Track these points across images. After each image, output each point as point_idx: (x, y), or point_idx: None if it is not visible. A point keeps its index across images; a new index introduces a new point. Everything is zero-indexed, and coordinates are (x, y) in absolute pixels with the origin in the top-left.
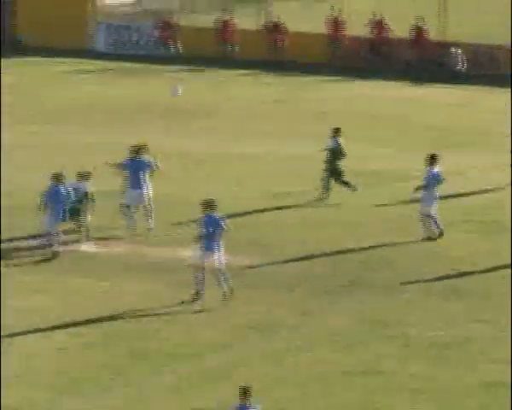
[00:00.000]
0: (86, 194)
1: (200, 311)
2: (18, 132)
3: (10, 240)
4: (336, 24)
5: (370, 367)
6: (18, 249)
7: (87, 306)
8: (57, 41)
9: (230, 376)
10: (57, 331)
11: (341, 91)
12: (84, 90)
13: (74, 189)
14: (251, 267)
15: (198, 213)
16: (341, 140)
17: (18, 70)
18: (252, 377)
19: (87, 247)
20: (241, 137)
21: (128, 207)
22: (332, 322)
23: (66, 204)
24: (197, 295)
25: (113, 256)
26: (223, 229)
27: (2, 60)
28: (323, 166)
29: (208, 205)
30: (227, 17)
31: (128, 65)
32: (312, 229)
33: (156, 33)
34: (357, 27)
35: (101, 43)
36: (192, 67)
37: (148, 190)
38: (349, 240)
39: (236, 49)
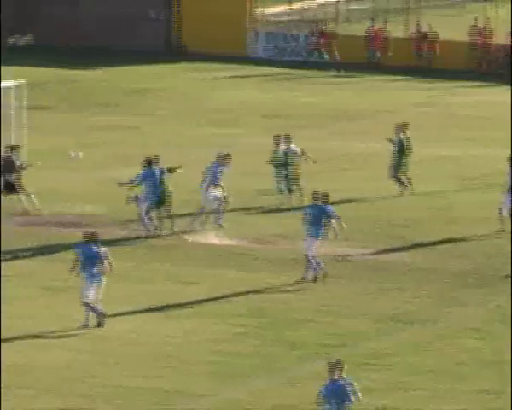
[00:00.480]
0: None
1: (347, 303)
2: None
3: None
4: (481, 32)
5: None
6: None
7: (239, 297)
8: (219, 48)
9: (377, 364)
10: (212, 321)
11: (489, 97)
12: (244, 94)
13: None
14: (388, 260)
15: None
16: (407, 136)
17: (182, 75)
18: (398, 366)
19: (207, 238)
20: None
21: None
22: (471, 312)
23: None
24: (314, 277)
25: (238, 248)
26: (332, 218)
27: (168, 65)
28: (391, 161)
29: (320, 197)
30: (379, 25)
31: (286, 71)
32: (446, 223)
33: (312, 41)
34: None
35: (260, 50)
36: (345, 74)
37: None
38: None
39: (389, 55)
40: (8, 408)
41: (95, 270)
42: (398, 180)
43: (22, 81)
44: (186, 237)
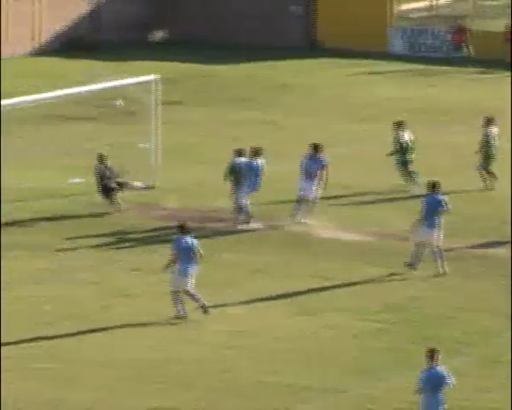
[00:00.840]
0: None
1: (482, 299)
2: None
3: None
4: None
5: None
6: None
7: (375, 293)
8: (356, 44)
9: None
10: (350, 317)
11: None
12: (384, 90)
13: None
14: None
15: None
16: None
17: (321, 70)
18: None
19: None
20: None
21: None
22: None
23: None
24: (410, 267)
25: (374, 244)
26: (444, 209)
27: (307, 60)
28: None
29: (433, 186)
30: None
31: (425, 67)
32: None
33: (450, 37)
34: None
35: (398, 46)
36: (482, 70)
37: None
38: None
39: None
40: (152, 403)
41: (192, 260)
42: (488, 173)
43: (157, 76)
44: (321, 232)
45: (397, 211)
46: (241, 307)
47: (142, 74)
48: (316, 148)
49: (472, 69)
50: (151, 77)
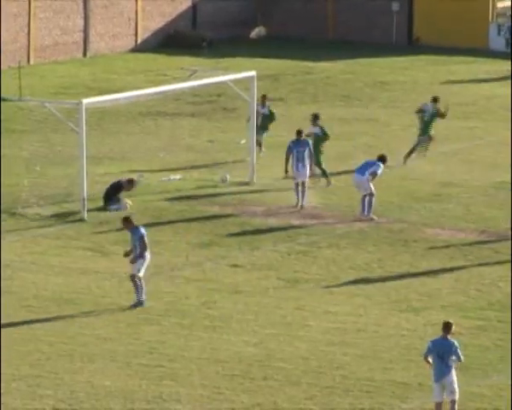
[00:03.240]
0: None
1: None
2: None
3: None
4: None
5: None
6: None
7: (479, 290)
8: (455, 40)
9: None
10: (454, 314)
11: None
12: (485, 88)
13: None
14: None
15: None
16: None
17: (421, 67)
18: None
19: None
20: None
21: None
22: None
23: None
24: None
25: (477, 242)
26: None
27: (407, 57)
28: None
29: None
30: None
31: None
32: None
33: None
34: None
35: (498, 43)
36: None
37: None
38: None
39: None
40: (256, 400)
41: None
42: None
43: (255, 72)
44: (425, 229)
45: (500, 208)
46: (343, 304)
47: (242, 71)
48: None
49: None
50: (250, 73)
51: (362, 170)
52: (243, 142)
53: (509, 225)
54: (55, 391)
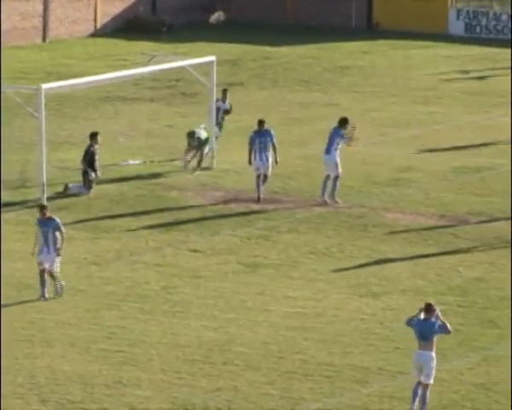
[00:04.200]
0: None
1: None
2: (385, 111)
3: None
4: None
5: None
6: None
7: (439, 275)
8: (413, 25)
9: None
10: (413, 299)
11: None
12: (443, 72)
13: None
14: None
15: None
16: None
17: (380, 52)
18: None
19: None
20: None
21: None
22: None
23: None
24: None
25: (437, 226)
26: None
27: (366, 42)
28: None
29: None
30: None
31: (485, 50)
32: None
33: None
34: None
35: (456, 27)
36: None
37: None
38: None
39: None
40: (217, 384)
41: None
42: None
43: (215, 57)
44: (384, 213)
45: (460, 193)
46: (303, 289)
47: (201, 56)
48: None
49: None
50: (210, 58)
51: (328, 148)
52: (203, 126)
53: (473, 209)
54: (15, 376)
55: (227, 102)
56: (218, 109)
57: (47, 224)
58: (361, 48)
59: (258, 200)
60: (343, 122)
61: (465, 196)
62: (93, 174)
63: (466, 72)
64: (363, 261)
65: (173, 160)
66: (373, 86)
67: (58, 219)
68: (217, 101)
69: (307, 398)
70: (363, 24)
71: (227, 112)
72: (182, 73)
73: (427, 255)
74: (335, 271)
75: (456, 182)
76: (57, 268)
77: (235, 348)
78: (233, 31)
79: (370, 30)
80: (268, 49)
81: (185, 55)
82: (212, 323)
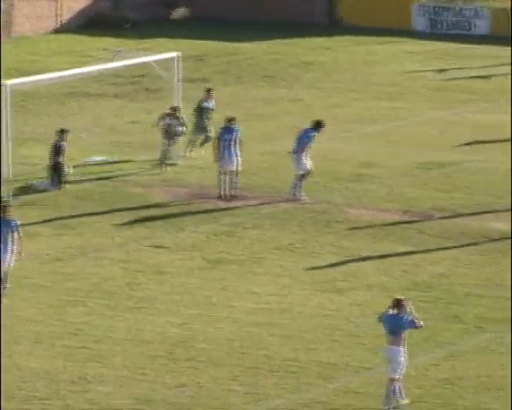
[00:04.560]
0: None
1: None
2: (348, 106)
3: None
4: None
5: None
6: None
7: (404, 271)
8: (378, 21)
9: None
10: (378, 295)
11: None
12: (407, 68)
13: None
14: None
15: None
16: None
17: (344, 48)
18: None
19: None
20: None
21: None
22: None
23: None
24: None
25: (401, 222)
26: None
27: (330, 38)
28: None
29: None
30: None
31: (448, 45)
32: None
33: (472, 14)
34: None
35: (420, 23)
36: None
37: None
38: None
39: None
40: (179, 381)
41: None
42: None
43: (179, 53)
44: (348, 209)
45: (423, 188)
46: (267, 285)
47: (165, 52)
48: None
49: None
50: (173, 54)
51: (295, 147)
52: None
53: (436, 205)
54: None
55: (211, 101)
56: (201, 109)
57: (7, 224)
58: (324, 43)
59: (221, 197)
60: (317, 125)
61: (429, 192)
62: (67, 169)
63: (430, 67)
64: (327, 257)
65: (138, 156)
66: (335, 82)
67: (17, 221)
68: (201, 101)
69: (272, 394)
70: (327, 19)
71: (208, 111)
72: (146, 68)
73: (390, 251)
74: (300, 266)
75: (420, 178)
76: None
77: (199, 345)
78: (197, 27)
79: (333, 25)
80: (232, 44)
81: (149, 51)
82: (177, 319)
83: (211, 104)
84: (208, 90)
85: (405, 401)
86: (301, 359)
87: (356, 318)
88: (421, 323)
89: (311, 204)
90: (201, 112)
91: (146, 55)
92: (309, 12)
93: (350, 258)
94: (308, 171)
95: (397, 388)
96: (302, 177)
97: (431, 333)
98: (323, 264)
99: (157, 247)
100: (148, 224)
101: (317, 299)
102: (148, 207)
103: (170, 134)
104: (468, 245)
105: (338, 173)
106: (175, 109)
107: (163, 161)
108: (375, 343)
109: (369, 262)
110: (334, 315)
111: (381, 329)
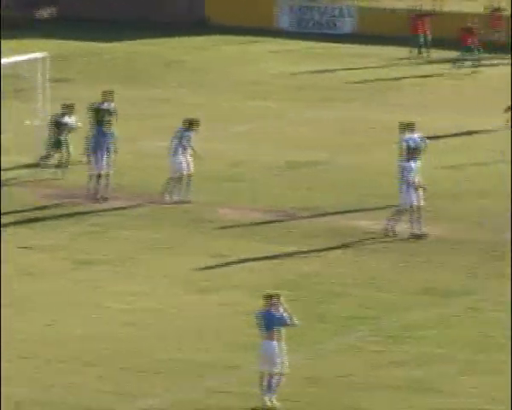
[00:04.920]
0: None
1: (378, 276)
2: (216, 106)
3: None
4: None
5: None
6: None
7: (271, 270)
8: (244, 20)
9: (409, 337)
10: (245, 294)
11: None
12: (275, 67)
13: None
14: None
15: None
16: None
17: (211, 47)
18: (430, 339)
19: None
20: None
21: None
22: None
23: None
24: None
25: (269, 221)
26: None
27: (196, 37)
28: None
29: None
30: (496, 5)
31: (316, 44)
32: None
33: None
34: None
35: (285, 22)
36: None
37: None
38: None
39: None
40: (49, 382)
41: None
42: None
43: (46, 54)
44: (217, 209)
45: (289, 188)
46: (137, 285)
47: (31, 52)
48: (191, 122)
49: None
50: (38, 54)
51: (174, 149)
52: (29, 122)
53: (304, 204)
54: None
55: (110, 103)
56: (98, 110)
57: None
58: (191, 42)
59: (92, 198)
60: (190, 125)
61: (297, 191)
62: None
63: (296, 66)
64: (196, 257)
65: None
66: (203, 82)
67: None
68: (99, 103)
69: (143, 394)
70: (195, 18)
71: (109, 113)
72: (11, 69)
73: (258, 250)
74: (169, 266)
75: (288, 176)
76: None
77: (69, 345)
78: (62, 27)
79: (201, 24)
80: (97, 44)
81: (14, 51)
82: (45, 319)
83: (105, 105)
84: (105, 92)
85: (274, 401)
86: (173, 358)
87: (225, 317)
88: (295, 321)
89: (180, 204)
90: (98, 113)
91: (10, 55)
92: (177, 11)
93: (219, 258)
94: (183, 173)
95: (273, 382)
96: (179, 178)
97: (296, 332)
98: (194, 264)
99: (25, 248)
100: (15, 224)
101: (187, 299)
102: (16, 207)
103: (60, 132)
104: (336, 244)
105: (207, 173)
106: (68, 107)
107: (43, 161)
108: (244, 342)
109: (237, 262)
110: (204, 315)
111: (252, 327)
